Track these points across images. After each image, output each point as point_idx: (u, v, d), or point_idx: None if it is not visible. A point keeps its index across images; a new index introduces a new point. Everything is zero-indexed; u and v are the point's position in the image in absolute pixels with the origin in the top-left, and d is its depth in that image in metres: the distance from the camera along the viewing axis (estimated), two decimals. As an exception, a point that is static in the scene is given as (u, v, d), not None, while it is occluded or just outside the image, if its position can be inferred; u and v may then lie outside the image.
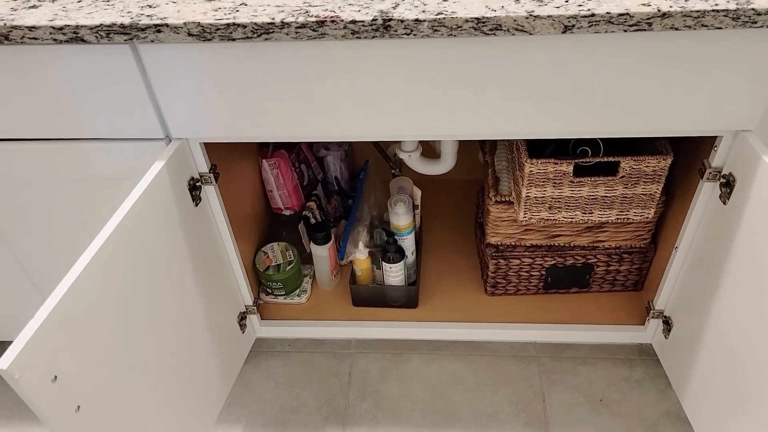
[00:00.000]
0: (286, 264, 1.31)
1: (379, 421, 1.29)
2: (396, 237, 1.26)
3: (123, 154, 0.96)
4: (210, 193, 1.03)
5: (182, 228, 0.96)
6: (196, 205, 1.00)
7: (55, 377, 0.72)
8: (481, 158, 1.41)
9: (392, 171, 1.56)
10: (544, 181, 1.04)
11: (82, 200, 1.03)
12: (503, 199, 1.17)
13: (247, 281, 1.22)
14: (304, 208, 1.40)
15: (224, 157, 1.08)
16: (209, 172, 1.00)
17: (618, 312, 1.28)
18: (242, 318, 1.25)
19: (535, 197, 1.07)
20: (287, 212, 1.43)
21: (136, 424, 0.88)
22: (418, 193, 1.34)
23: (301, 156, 1.44)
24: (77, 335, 0.75)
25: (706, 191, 0.98)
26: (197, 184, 1.00)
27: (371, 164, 1.51)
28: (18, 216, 1.06)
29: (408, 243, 1.29)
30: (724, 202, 0.93)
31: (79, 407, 0.76)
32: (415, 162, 1.28)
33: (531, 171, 1.03)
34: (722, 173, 0.94)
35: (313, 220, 1.38)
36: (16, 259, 1.15)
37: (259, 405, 1.33)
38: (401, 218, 1.25)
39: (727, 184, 0.92)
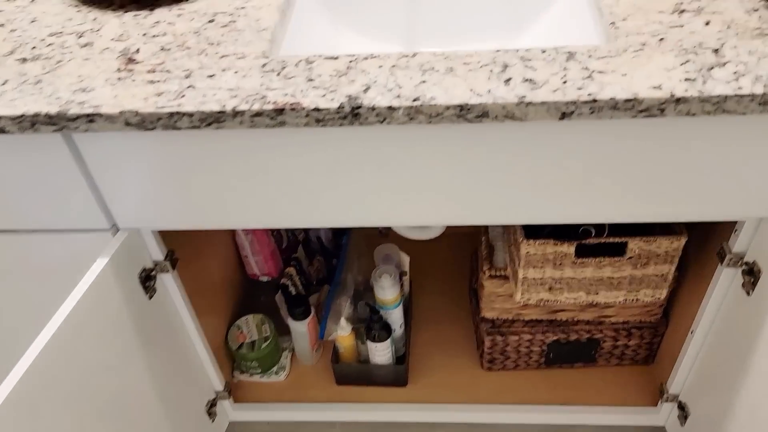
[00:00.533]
0: (261, 340, 1.20)
1: None
2: (382, 311, 1.14)
3: (66, 245, 0.85)
4: (167, 280, 0.92)
5: (134, 324, 0.85)
6: (150, 297, 0.89)
7: None
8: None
9: (379, 230, 1.45)
10: (542, 263, 0.93)
11: (27, 293, 0.92)
12: (499, 274, 1.05)
13: (216, 366, 1.10)
14: (283, 275, 1.28)
15: (187, 231, 0.97)
16: (165, 260, 0.89)
17: (628, 390, 1.16)
18: (211, 406, 1.13)
19: (534, 278, 0.96)
20: (264, 278, 1.32)
21: None
22: (406, 259, 1.23)
23: (280, 217, 1.33)
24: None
25: (727, 276, 0.86)
26: (152, 273, 0.89)
27: (356, 231, 1.40)
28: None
29: (395, 316, 1.17)
30: (748, 293, 0.82)
31: None
32: (401, 228, 1.17)
33: (528, 252, 0.92)
34: (745, 260, 0.83)
35: (292, 288, 1.27)
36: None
37: (235, 495, 1.21)
38: (387, 292, 1.14)
39: (751, 273, 0.81)
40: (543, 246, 0.90)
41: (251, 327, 1.22)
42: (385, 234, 1.45)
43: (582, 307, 1.08)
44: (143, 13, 0.81)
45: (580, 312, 1.09)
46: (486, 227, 1.14)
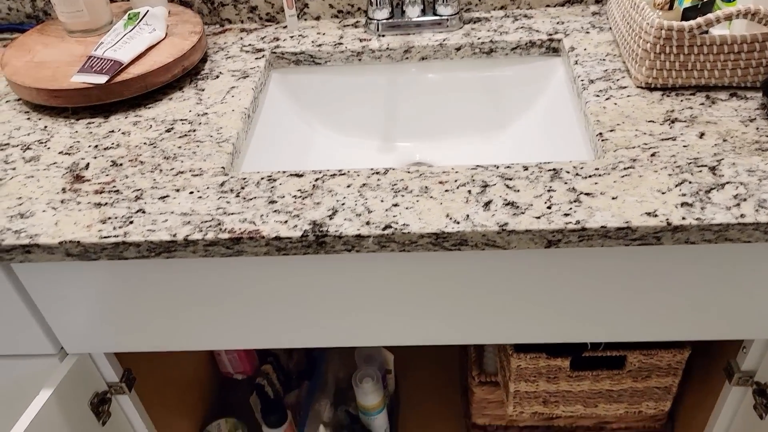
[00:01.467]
0: (234, 449, 1.10)
1: None
2: (364, 418, 1.06)
3: (11, 371, 0.77)
4: (124, 402, 0.84)
5: (84, 457, 0.77)
6: (104, 423, 0.81)
7: None
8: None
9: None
10: (535, 376, 0.85)
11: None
12: (489, 380, 0.98)
13: (183, 484, 1.01)
14: (259, 373, 1.20)
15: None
16: (121, 382, 0.81)
17: (632, 500, 1.07)
18: None
19: (526, 392, 0.88)
20: (239, 376, 1.23)
21: None
22: (389, 358, 1.15)
23: (257, 309, 1.25)
24: None
25: (736, 395, 0.79)
26: (106, 396, 0.81)
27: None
28: None
29: (379, 423, 1.09)
30: (761, 416, 0.74)
31: None
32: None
33: (519, 366, 0.84)
34: (755, 379, 0.76)
35: (268, 389, 1.18)
36: None
37: None
38: (369, 397, 1.05)
39: (763, 394, 0.74)
40: (535, 360, 0.83)
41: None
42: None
43: (582, 415, 1.00)
44: (97, 120, 0.76)
45: (579, 419, 1.01)
46: (474, 325, 1.07)
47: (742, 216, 0.56)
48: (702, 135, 0.65)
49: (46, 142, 0.73)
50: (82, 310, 0.70)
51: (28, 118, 0.78)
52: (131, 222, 0.61)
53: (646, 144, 0.65)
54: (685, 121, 0.67)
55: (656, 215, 0.57)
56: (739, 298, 0.65)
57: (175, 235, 0.59)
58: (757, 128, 0.65)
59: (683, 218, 0.56)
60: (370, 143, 0.93)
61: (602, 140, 0.66)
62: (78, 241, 0.60)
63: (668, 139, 0.65)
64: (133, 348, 0.75)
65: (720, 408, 0.81)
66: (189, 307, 0.69)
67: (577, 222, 0.57)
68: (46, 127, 0.76)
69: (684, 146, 0.64)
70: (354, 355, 1.15)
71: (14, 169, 0.69)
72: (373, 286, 0.66)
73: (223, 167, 0.67)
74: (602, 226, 0.56)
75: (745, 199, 0.57)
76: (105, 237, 0.60)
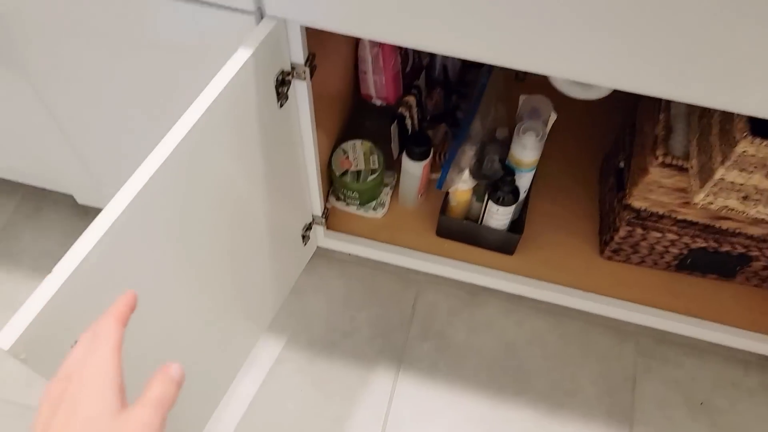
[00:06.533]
0: (368, 172, 1.07)
1: (439, 369, 1.13)
2: (516, 173, 0.99)
3: (200, 21, 0.68)
4: (300, 89, 0.76)
5: (259, 133, 0.72)
6: (281, 105, 0.74)
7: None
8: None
9: (516, 74, 1.25)
10: (755, 167, 0.75)
11: (142, 66, 0.78)
12: (674, 163, 0.88)
13: (321, 191, 0.98)
14: (401, 104, 1.11)
15: (321, 36, 0.79)
16: (305, 65, 0.73)
17: (762, 315, 1.04)
18: (307, 229, 1.04)
19: (732, 182, 0.78)
20: (378, 102, 1.15)
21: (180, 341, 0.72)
22: (553, 118, 1.04)
23: (410, 34, 1.12)
24: (119, 269, 0.56)
25: None
26: (287, 78, 0.73)
27: (496, 71, 1.17)
28: (65, 76, 0.82)
29: (525, 181, 1.03)
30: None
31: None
32: (562, 82, 0.97)
33: (745, 152, 0.73)
34: None
35: (408, 121, 1.11)
36: (57, 123, 0.93)
37: (307, 319, 1.17)
38: (527, 153, 0.97)
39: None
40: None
41: (359, 154, 1.08)
42: (521, 80, 1.24)
43: (756, 220, 0.92)
44: None
45: (749, 225, 0.93)
46: (668, 103, 0.94)
47: None
48: None
49: None
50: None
51: None
52: None
53: None
54: None
55: None
56: None
57: None
58: None
59: None
60: None
61: None
62: None
63: None
64: (338, 25, 0.64)
65: None
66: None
67: None
68: None
69: None
70: (506, 106, 1.05)
71: None
72: None
73: None
74: None
75: None
76: None
